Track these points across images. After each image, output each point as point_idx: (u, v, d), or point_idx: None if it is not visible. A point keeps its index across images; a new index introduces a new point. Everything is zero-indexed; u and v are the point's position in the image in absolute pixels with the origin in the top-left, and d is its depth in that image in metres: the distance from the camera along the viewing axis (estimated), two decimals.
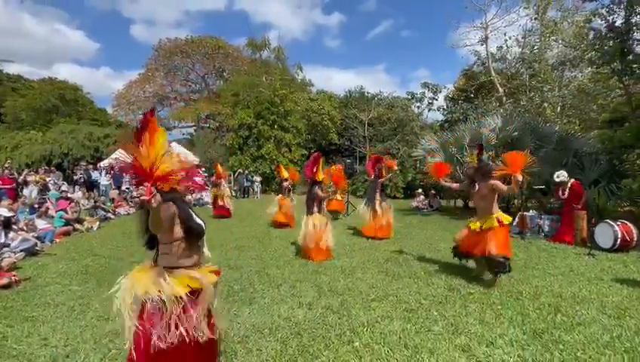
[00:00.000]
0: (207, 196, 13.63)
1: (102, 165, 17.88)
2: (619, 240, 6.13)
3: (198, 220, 2.38)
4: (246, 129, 21.42)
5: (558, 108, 18.53)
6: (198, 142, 24.70)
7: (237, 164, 21.01)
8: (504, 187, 4.36)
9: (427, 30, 55.88)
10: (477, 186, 4.53)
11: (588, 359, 2.81)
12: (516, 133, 10.23)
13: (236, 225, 9.47)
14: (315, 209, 5.86)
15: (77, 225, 8.62)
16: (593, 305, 3.88)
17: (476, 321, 3.53)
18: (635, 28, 9.52)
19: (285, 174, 9.27)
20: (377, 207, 7.28)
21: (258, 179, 19.56)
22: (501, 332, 3.28)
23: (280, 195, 9.05)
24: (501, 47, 21.99)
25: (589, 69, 17.68)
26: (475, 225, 4.59)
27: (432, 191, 14.14)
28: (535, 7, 20.35)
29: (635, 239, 6.25)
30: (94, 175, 14.66)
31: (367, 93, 29.27)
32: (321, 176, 5.95)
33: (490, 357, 2.87)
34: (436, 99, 28.10)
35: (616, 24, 9.65)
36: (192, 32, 31.20)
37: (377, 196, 7.48)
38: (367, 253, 6.37)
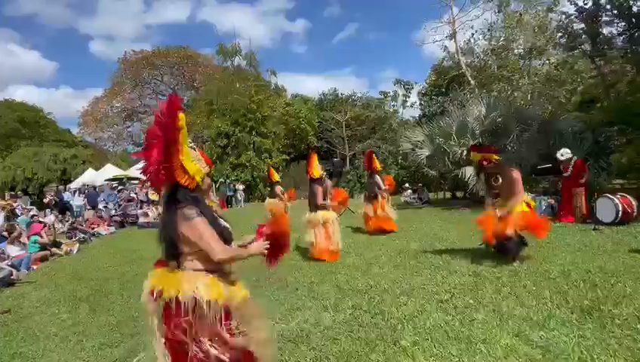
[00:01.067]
0: None
1: (71, 187, 16.87)
2: (620, 212, 6.17)
3: (224, 223, 2.02)
4: (224, 137, 20.84)
5: (529, 95, 19.07)
6: None
7: (217, 174, 20.38)
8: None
9: (392, 31, 56.82)
10: (499, 179, 4.55)
11: None
12: (500, 120, 10.33)
13: None
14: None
15: (54, 250, 7.90)
16: (626, 276, 3.77)
17: (517, 305, 3.31)
18: (603, 10, 9.86)
19: (276, 177, 8.90)
20: (379, 202, 7.08)
21: (241, 187, 19.02)
22: (548, 314, 3.07)
23: (269, 200, 8.65)
24: (469, 40, 22.51)
25: (556, 56, 18.39)
26: (503, 209, 4.47)
27: (420, 184, 14.15)
28: (497, 1, 20.93)
29: (635, 211, 6.31)
30: (66, 196, 13.71)
31: (342, 94, 29.36)
32: (317, 173, 5.65)
33: (549, 341, 2.64)
34: (409, 96, 28.52)
35: (587, 6, 9.97)
36: (155, 47, 29.87)
37: (376, 191, 7.30)
38: (376, 249, 6.11)
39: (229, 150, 20.97)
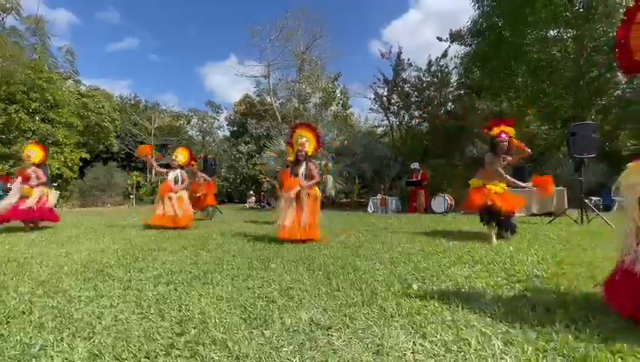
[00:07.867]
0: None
1: None
2: (449, 205, 8.66)
3: None
4: None
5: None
6: None
7: None
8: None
9: (177, 57, 49.56)
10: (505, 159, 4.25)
11: None
12: (346, 142, 12.23)
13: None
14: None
15: None
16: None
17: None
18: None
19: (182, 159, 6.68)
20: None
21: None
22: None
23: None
24: (277, 84, 25.12)
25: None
26: (478, 182, 4.35)
27: (262, 192, 14.18)
28: (298, 63, 24.53)
29: (454, 203, 8.92)
30: None
31: (146, 101, 25.58)
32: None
33: None
34: (218, 119, 28.19)
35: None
36: None
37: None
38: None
39: None
